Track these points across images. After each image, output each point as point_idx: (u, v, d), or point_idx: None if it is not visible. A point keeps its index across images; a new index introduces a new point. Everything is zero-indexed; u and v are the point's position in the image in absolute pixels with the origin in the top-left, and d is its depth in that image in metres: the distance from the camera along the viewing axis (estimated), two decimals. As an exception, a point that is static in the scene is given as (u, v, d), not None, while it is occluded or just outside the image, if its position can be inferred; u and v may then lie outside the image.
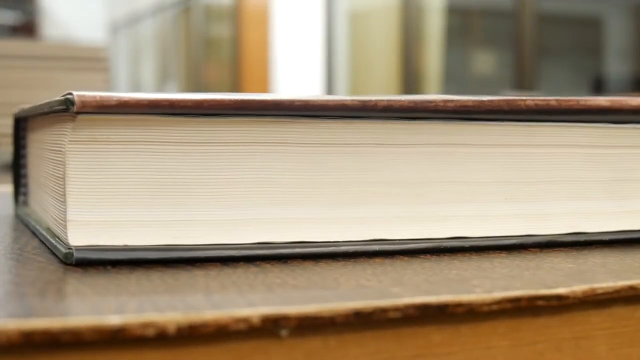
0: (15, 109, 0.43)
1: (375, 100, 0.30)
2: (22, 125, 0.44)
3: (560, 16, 4.12)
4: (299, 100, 0.30)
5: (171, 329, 0.21)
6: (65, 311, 0.22)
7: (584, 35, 4.38)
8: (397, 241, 0.31)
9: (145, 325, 0.21)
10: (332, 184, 0.31)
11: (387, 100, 0.31)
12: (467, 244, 0.32)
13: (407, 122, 0.31)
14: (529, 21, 2.92)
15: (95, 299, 0.23)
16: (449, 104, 0.31)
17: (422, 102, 0.31)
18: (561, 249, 0.33)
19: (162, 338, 0.21)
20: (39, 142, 0.38)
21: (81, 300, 0.23)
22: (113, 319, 0.21)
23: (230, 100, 0.29)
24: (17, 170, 0.44)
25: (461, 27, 4.09)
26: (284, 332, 0.22)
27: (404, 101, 0.31)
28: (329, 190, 0.31)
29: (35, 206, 0.40)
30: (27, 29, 5.73)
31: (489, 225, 0.33)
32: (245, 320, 0.22)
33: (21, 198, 0.44)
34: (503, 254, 0.32)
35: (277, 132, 0.30)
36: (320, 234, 0.31)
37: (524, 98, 0.32)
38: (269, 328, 0.22)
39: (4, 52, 1.28)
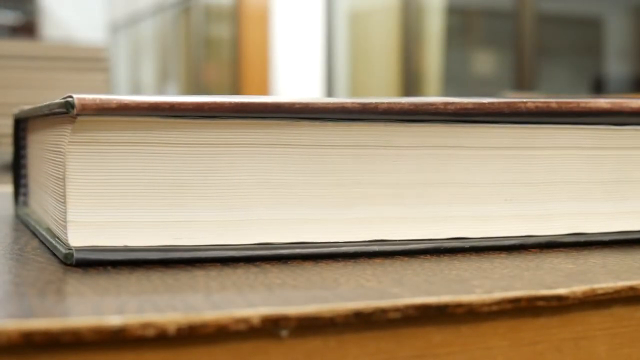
0: (15, 109, 0.43)
1: (376, 102, 0.30)
2: (22, 125, 0.44)
3: (560, 16, 4.13)
4: (299, 103, 0.30)
5: (171, 329, 0.21)
6: (65, 311, 0.22)
7: (584, 35, 4.38)
8: (397, 242, 0.32)
9: (146, 326, 0.21)
10: (332, 185, 0.31)
11: (387, 103, 0.31)
12: (467, 244, 0.32)
13: (407, 124, 0.31)
14: (529, 21, 2.92)
15: (96, 299, 0.23)
16: (449, 107, 0.31)
17: (423, 104, 0.31)
18: (561, 249, 0.33)
19: (162, 338, 0.21)
20: (39, 143, 0.38)
21: (81, 301, 0.23)
22: (113, 320, 0.21)
23: (230, 103, 0.29)
24: (17, 170, 0.44)
25: (461, 27, 4.10)
26: (284, 333, 0.22)
27: (404, 104, 0.31)
28: (329, 192, 0.31)
29: (35, 206, 0.40)
30: (27, 29, 5.73)
31: (489, 226, 0.33)
32: (245, 320, 0.22)
33: (21, 198, 0.44)
34: (503, 255, 0.32)
35: (277, 134, 0.30)
36: (320, 235, 0.31)
37: (524, 100, 0.32)
38: (269, 328, 0.22)
39: (4, 52, 1.28)
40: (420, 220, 0.32)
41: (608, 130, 0.34)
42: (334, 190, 0.31)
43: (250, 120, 0.30)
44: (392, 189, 0.32)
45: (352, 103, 0.30)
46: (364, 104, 0.30)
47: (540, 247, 0.33)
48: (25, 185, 0.44)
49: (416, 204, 0.32)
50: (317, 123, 0.30)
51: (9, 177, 0.49)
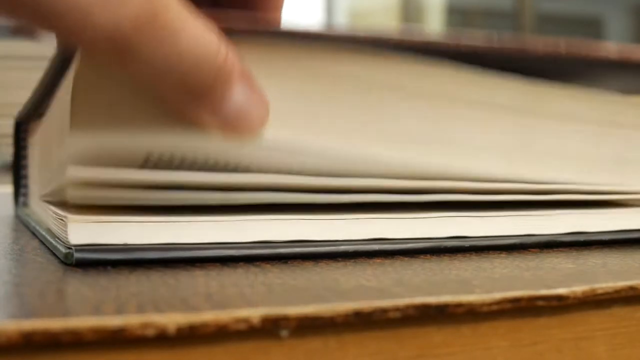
0: (16, 110, 0.43)
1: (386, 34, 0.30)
2: (22, 126, 0.44)
3: (560, 16, 4.12)
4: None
5: (171, 329, 0.21)
6: (65, 311, 0.22)
7: (584, 35, 4.38)
8: (397, 241, 0.31)
9: (146, 326, 0.21)
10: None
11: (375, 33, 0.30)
12: (467, 243, 0.32)
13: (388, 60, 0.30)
14: (529, 21, 2.91)
15: (96, 299, 0.23)
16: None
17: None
18: (561, 249, 0.33)
19: (162, 338, 0.21)
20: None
21: (81, 300, 0.23)
22: (113, 320, 0.21)
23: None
24: (18, 171, 0.44)
25: (461, 27, 4.09)
26: (284, 333, 0.22)
27: (415, 33, 0.31)
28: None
29: (35, 206, 0.40)
30: (27, 29, 5.73)
31: (489, 226, 0.33)
32: (245, 320, 0.22)
33: (21, 199, 0.44)
34: (503, 254, 0.32)
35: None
36: (320, 233, 0.31)
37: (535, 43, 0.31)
38: (269, 328, 0.22)
39: (4, 52, 1.28)
40: (420, 219, 0.32)
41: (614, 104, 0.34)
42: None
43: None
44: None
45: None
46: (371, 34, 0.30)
47: (540, 247, 0.33)
48: (26, 186, 0.44)
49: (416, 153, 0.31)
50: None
51: (9, 177, 0.49)
